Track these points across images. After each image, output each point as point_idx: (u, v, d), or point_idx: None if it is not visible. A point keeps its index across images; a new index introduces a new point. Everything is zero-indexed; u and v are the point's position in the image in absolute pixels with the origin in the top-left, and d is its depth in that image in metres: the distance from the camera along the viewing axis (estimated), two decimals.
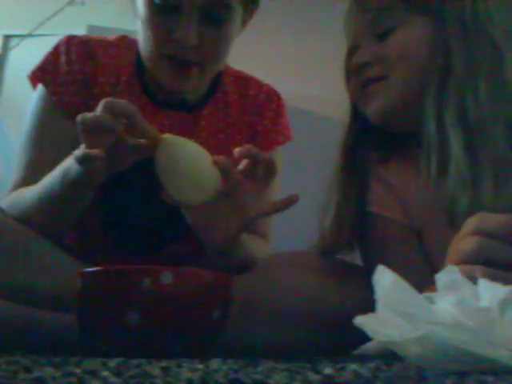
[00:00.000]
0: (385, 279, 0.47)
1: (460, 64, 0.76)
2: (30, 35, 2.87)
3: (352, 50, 0.86)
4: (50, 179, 0.78)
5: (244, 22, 0.93)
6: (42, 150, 0.92)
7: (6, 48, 3.13)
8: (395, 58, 0.80)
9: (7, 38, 3.15)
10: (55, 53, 0.95)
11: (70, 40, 0.96)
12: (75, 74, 0.93)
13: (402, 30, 0.80)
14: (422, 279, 0.72)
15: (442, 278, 0.50)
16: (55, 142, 0.92)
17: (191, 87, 0.91)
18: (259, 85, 1.04)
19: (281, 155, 1.05)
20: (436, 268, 0.68)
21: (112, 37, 1.00)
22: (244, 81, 1.04)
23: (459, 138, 0.74)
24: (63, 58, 0.94)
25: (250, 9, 0.92)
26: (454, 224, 0.72)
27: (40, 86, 0.94)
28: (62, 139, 0.92)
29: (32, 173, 0.91)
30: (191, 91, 0.94)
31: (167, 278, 0.59)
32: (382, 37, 0.82)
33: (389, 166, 0.86)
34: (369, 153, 0.87)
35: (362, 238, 0.86)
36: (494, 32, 0.77)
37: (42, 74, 0.94)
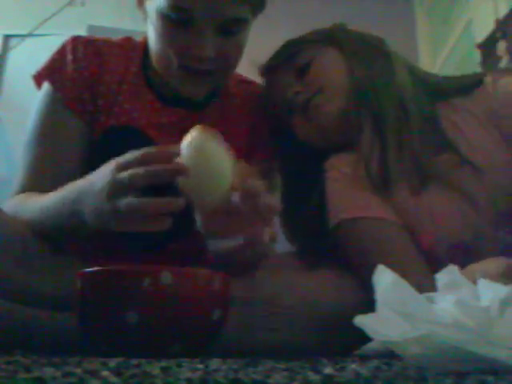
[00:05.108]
0: (385, 279, 0.47)
1: (361, 76, 0.93)
2: (30, 35, 2.87)
3: (282, 101, 0.96)
4: (51, 205, 0.77)
5: (251, 22, 0.93)
6: (47, 148, 0.91)
7: (6, 48, 3.13)
8: (320, 77, 0.94)
9: (7, 37, 3.15)
10: (62, 52, 0.96)
11: (76, 39, 0.97)
12: (81, 72, 0.94)
13: (316, 61, 0.95)
14: (424, 272, 0.78)
15: (441, 278, 0.50)
16: (61, 138, 0.92)
17: (204, 92, 0.93)
18: (261, 89, 1.05)
19: None
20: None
21: (116, 38, 1.01)
22: (247, 84, 1.06)
23: (369, 127, 0.90)
24: (70, 57, 0.94)
25: (257, 12, 0.93)
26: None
27: (46, 84, 0.94)
28: (68, 136, 0.92)
29: (37, 173, 0.90)
30: (203, 95, 0.94)
31: (167, 278, 0.59)
32: (301, 73, 0.95)
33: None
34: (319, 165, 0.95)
35: (355, 244, 0.86)
36: (383, 46, 0.99)
37: (48, 72, 0.95)
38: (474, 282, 0.60)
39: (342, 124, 0.92)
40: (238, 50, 0.90)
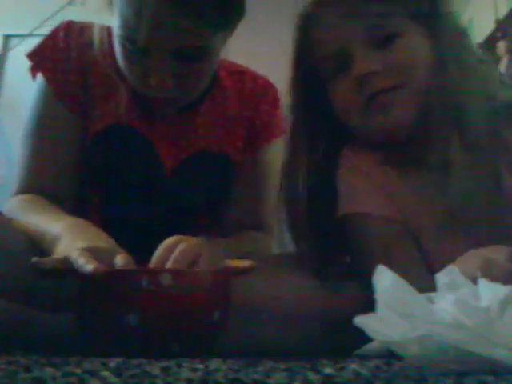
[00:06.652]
0: (385, 279, 0.47)
1: (454, 75, 0.77)
2: (30, 35, 2.87)
3: (340, 62, 0.80)
4: (40, 232, 0.76)
5: (226, 39, 0.88)
6: (43, 143, 0.90)
7: (6, 48, 3.13)
8: (408, 64, 0.78)
9: (7, 37, 3.15)
10: (54, 38, 0.93)
11: (70, 25, 0.94)
12: (73, 62, 0.91)
13: (406, 36, 0.79)
14: (424, 273, 0.75)
15: (441, 277, 0.50)
16: (55, 132, 0.91)
17: (181, 106, 0.91)
18: (255, 78, 1.02)
19: (277, 149, 1.02)
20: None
21: None
22: (240, 74, 1.02)
23: (457, 144, 0.75)
24: (62, 45, 0.92)
25: (231, 29, 0.87)
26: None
27: (39, 77, 0.93)
28: (63, 129, 0.91)
29: (35, 168, 0.90)
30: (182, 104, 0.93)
31: (166, 278, 0.59)
32: (384, 44, 0.78)
33: (367, 161, 0.84)
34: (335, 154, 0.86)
35: (354, 241, 0.85)
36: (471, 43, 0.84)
37: (40, 60, 0.92)
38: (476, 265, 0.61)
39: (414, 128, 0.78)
40: (204, 73, 0.87)
